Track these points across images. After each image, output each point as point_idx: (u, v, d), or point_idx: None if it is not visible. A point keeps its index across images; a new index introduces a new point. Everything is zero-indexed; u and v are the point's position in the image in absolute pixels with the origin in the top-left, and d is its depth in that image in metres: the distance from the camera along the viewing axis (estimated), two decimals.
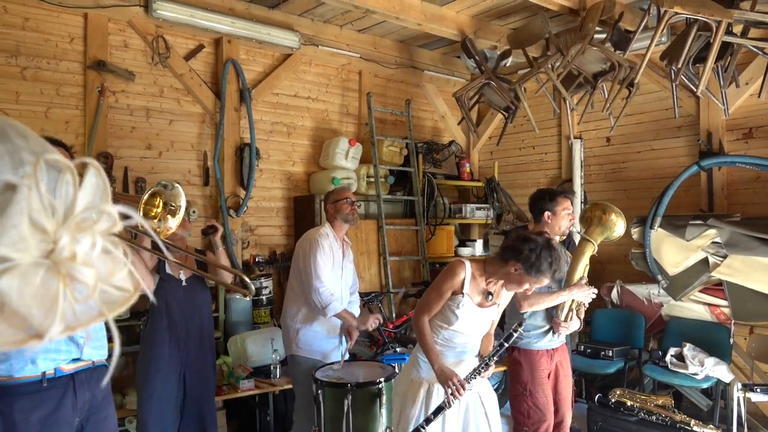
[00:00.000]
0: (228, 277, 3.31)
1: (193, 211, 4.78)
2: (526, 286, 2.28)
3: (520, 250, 2.21)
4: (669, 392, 4.40)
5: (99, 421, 1.99)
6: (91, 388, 1.98)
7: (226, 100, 4.89)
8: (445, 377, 2.23)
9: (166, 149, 4.75)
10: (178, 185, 2.01)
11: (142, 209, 1.94)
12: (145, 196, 1.95)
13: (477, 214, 6.04)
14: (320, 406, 2.82)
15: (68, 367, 1.92)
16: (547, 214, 3.00)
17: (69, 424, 1.90)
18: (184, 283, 3.20)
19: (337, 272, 3.29)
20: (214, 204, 4.95)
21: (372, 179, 5.47)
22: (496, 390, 4.95)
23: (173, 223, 2.05)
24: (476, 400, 2.42)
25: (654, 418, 3.85)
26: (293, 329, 3.22)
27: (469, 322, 2.33)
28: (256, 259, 5.05)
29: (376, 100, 5.79)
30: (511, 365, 3.09)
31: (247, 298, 2.15)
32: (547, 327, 3.01)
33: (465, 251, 5.96)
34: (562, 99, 4.95)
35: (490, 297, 2.35)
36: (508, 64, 5.78)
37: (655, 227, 4.62)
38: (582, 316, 3.06)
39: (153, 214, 1.98)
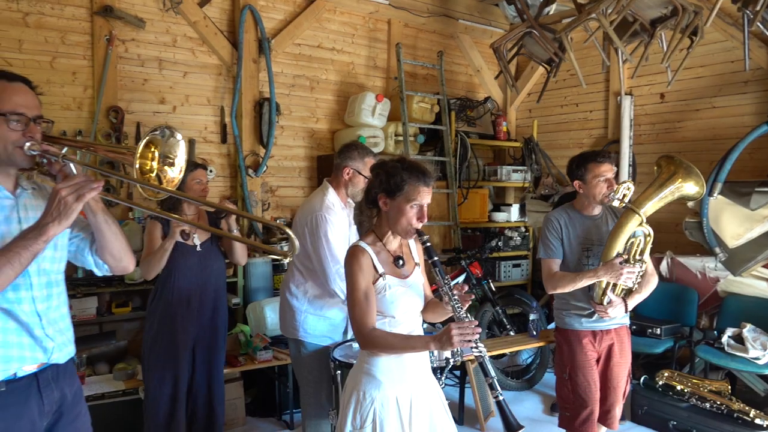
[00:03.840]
0: (243, 258, 3.08)
1: (210, 170, 4.51)
2: (412, 209, 1.88)
3: (370, 185, 1.98)
4: (722, 374, 4.04)
5: (69, 423, 1.66)
6: (60, 386, 1.64)
7: (243, 50, 4.53)
8: (447, 340, 1.75)
9: (180, 104, 4.45)
10: (177, 133, 1.59)
11: (138, 162, 1.51)
12: (141, 148, 1.50)
13: (513, 176, 5.62)
14: (338, 388, 2.56)
15: (30, 367, 1.57)
16: (577, 183, 2.70)
17: (33, 431, 1.57)
18: (198, 249, 2.95)
19: (346, 244, 2.75)
20: (232, 163, 4.66)
21: (400, 138, 5.08)
22: (530, 365, 4.68)
23: (174, 172, 1.59)
24: (438, 402, 2.04)
25: (708, 405, 3.49)
26: (300, 312, 2.77)
27: (405, 301, 1.95)
28: (277, 222, 4.78)
29: (406, 52, 5.35)
30: (556, 346, 2.88)
31: (287, 260, 1.55)
32: (592, 309, 2.67)
33: (500, 216, 5.57)
34: (613, 50, 4.44)
35: (401, 261, 1.98)
36: (552, 12, 5.26)
37: (715, 194, 4.16)
38: (633, 299, 2.66)
39: (148, 167, 1.55)
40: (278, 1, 4.83)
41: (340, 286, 2.64)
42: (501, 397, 1.80)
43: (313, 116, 5.08)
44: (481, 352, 1.81)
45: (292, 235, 1.54)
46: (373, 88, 5.34)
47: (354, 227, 2.87)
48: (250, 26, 4.58)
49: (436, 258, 1.93)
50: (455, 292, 1.89)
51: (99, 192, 1.49)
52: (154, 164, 1.56)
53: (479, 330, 1.76)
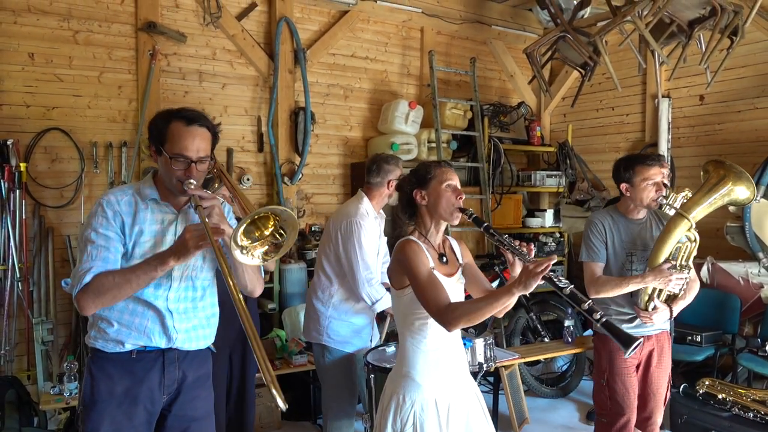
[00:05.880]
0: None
1: (247, 179, 4.64)
2: (448, 189, 1.96)
3: (403, 190, 2.06)
4: (766, 383, 3.91)
5: (186, 402, 1.88)
6: (183, 368, 1.87)
7: (279, 61, 4.66)
8: (526, 279, 1.68)
9: (219, 114, 4.59)
10: (296, 219, 1.70)
11: (247, 223, 1.64)
12: (261, 212, 1.66)
13: (548, 182, 5.58)
14: (371, 392, 2.61)
15: (160, 343, 1.84)
16: (623, 186, 2.62)
17: (151, 399, 1.82)
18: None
19: (375, 251, 2.90)
20: (268, 171, 4.78)
21: (433, 144, 5.12)
22: (564, 373, 4.63)
23: (263, 254, 1.69)
24: (476, 404, 2.05)
25: (751, 414, 3.39)
26: (325, 317, 2.84)
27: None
28: (312, 228, 4.87)
29: (439, 59, 5.39)
30: (594, 351, 2.83)
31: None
32: (633, 314, 2.63)
33: (534, 222, 5.54)
34: (649, 52, 4.38)
35: (445, 258, 2.03)
36: (586, 15, 5.22)
37: (758, 198, 4.05)
38: (677, 305, 2.63)
39: (257, 234, 1.69)
40: (313, 13, 4.94)
41: (368, 291, 2.72)
42: (605, 319, 1.69)
43: (347, 124, 5.17)
44: (566, 283, 1.73)
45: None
46: (406, 95, 5.40)
47: (385, 238, 2.95)
48: (286, 38, 4.70)
49: (486, 223, 1.96)
50: (516, 243, 1.85)
51: (210, 246, 1.68)
52: (266, 232, 1.70)
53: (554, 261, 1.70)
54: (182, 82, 4.45)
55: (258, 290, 1.96)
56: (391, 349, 2.79)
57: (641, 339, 1.68)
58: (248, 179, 4.64)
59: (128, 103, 4.24)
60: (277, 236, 1.69)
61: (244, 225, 1.63)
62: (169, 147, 1.76)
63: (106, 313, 1.79)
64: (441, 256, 2.02)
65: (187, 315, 1.86)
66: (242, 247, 1.65)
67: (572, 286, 1.74)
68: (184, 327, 1.85)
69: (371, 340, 2.93)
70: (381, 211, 2.98)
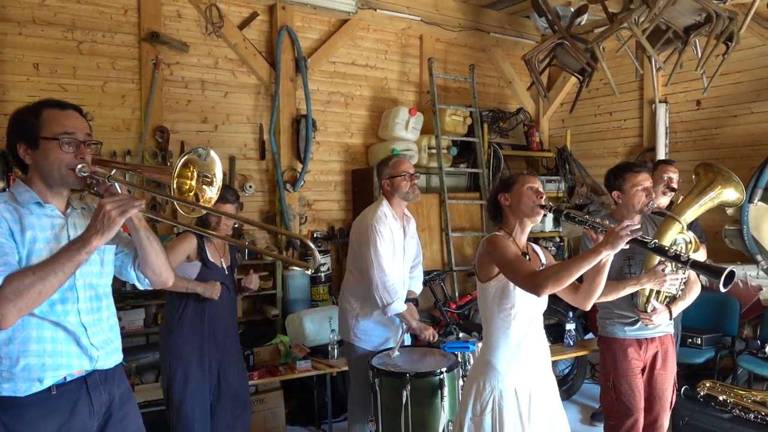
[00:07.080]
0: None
1: (250, 186, 4.68)
2: (530, 190, 2.12)
3: (489, 196, 2.23)
4: (766, 384, 3.95)
5: (118, 422, 1.72)
6: (108, 388, 1.71)
7: (281, 70, 4.71)
8: (613, 239, 1.84)
9: (221, 122, 4.64)
10: (212, 152, 1.63)
11: (175, 181, 1.55)
12: (178, 167, 1.55)
13: (547, 186, 5.62)
14: (377, 396, 2.64)
15: (78, 372, 1.64)
16: (615, 193, 2.72)
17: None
18: (226, 272, 2.96)
19: (399, 254, 2.99)
20: (270, 178, 4.82)
21: (434, 151, 5.17)
22: (566, 376, 4.65)
23: (212, 191, 1.64)
24: (556, 400, 2.16)
25: (752, 416, 3.41)
26: (352, 316, 2.99)
27: (528, 296, 2.06)
28: (314, 235, 4.91)
29: (438, 66, 5.44)
30: (600, 354, 2.87)
31: (309, 272, 1.56)
32: (635, 317, 2.67)
33: (534, 227, 5.58)
34: (646, 58, 4.43)
35: (528, 257, 2.15)
36: (583, 22, 5.28)
37: (755, 201, 4.10)
38: (676, 306, 2.67)
39: (187, 186, 1.60)
40: (313, 21, 5.00)
41: (380, 294, 2.82)
42: (692, 259, 1.83)
43: (347, 131, 5.21)
44: (649, 239, 1.87)
45: (313, 247, 1.61)
46: (406, 102, 5.45)
47: (409, 238, 3.02)
48: (287, 46, 4.75)
49: (565, 211, 2.07)
50: (597, 219, 1.99)
51: (141, 209, 1.56)
52: (193, 183, 1.61)
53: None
54: (185, 91, 4.49)
55: (170, 280, 1.84)
56: (396, 354, 2.82)
57: (732, 269, 1.76)
58: (251, 186, 4.67)
59: (132, 112, 4.28)
60: (206, 178, 1.63)
61: (176, 173, 1.54)
62: (50, 131, 1.59)
63: (3, 351, 1.55)
64: (524, 254, 2.14)
65: (98, 327, 1.70)
66: (190, 201, 1.59)
67: (656, 241, 1.93)
68: (98, 341, 1.68)
69: (397, 339, 3.00)
70: (407, 212, 3.10)
